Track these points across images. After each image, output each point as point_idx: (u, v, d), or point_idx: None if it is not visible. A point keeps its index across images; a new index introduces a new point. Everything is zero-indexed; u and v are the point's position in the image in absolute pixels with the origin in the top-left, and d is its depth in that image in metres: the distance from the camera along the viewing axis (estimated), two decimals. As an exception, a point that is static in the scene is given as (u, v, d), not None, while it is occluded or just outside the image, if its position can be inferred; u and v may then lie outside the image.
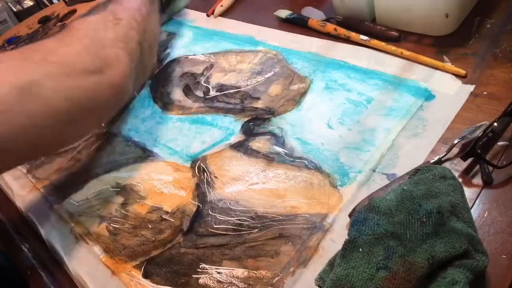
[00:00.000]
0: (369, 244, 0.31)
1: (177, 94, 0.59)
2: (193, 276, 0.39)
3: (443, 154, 0.39)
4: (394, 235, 0.31)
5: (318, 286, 0.33)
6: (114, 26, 0.47)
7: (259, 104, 0.53)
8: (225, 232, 0.41)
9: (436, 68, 0.48)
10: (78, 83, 0.40)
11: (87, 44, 0.43)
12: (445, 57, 0.48)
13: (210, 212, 0.43)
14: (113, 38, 0.46)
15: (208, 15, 0.72)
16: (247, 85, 0.56)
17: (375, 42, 0.53)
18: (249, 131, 0.50)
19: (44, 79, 0.38)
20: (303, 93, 0.52)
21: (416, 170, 0.36)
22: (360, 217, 0.33)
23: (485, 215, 0.35)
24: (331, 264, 0.33)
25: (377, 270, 0.29)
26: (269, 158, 0.46)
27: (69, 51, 0.41)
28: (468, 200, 0.34)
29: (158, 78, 0.63)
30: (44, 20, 0.95)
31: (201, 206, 0.44)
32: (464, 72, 0.46)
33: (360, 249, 0.31)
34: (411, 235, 0.31)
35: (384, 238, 0.31)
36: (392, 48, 0.51)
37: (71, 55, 0.41)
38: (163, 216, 0.45)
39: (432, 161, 0.39)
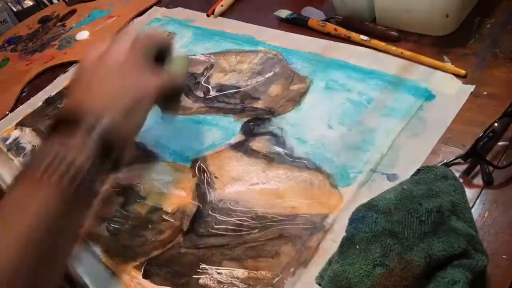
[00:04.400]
0: (366, 241, 0.31)
1: (177, 94, 0.59)
2: (193, 276, 0.39)
3: (452, 159, 0.39)
4: (392, 233, 0.31)
5: (318, 284, 0.33)
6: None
7: (259, 104, 0.53)
8: (225, 233, 0.41)
9: (436, 68, 0.48)
10: None
11: None
12: (445, 57, 0.48)
13: (210, 213, 0.43)
14: None
15: (208, 15, 0.72)
16: (247, 85, 0.56)
17: (375, 42, 0.53)
18: (249, 131, 0.50)
19: None
20: (303, 93, 0.52)
21: (418, 171, 0.36)
22: (358, 215, 0.33)
23: (486, 215, 0.35)
24: (330, 262, 0.33)
25: (374, 267, 0.29)
26: (269, 158, 0.46)
27: None
28: (468, 200, 0.34)
29: (158, 78, 0.63)
30: (44, 20, 0.95)
31: (201, 206, 0.44)
32: (464, 72, 0.46)
33: (357, 246, 0.31)
34: (408, 233, 0.31)
35: (381, 235, 0.31)
36: (392, 48, 0.51)
37: None
38: (163, 216, 0.45)
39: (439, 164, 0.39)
